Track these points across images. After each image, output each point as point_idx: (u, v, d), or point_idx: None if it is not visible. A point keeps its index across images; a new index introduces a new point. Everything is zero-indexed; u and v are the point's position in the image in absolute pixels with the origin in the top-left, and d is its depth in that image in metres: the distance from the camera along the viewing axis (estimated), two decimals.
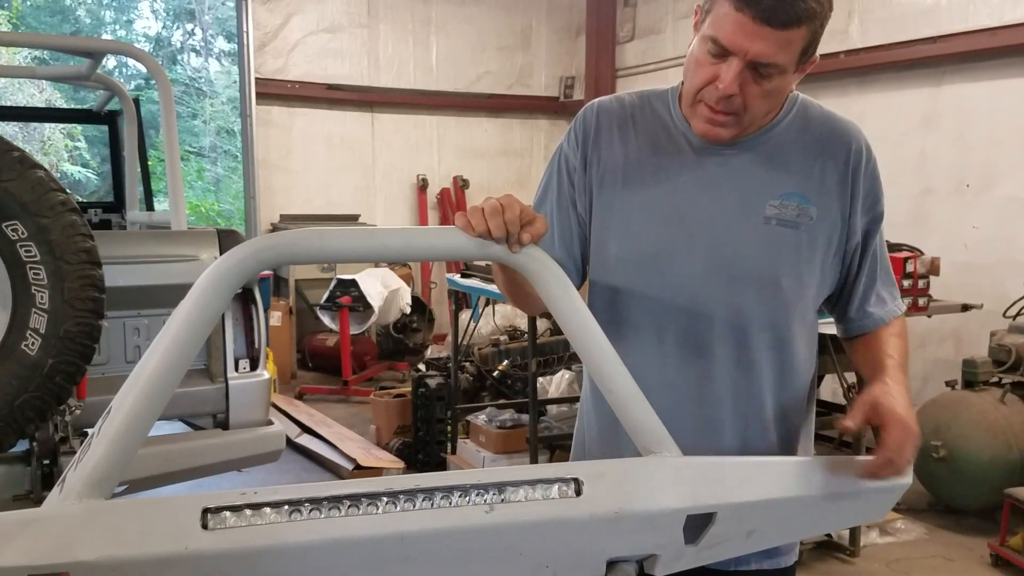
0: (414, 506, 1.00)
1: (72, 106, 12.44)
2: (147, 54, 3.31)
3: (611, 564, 1.11)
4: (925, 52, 5.26)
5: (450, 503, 1.01)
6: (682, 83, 1.39)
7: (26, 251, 2.10)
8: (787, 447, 1.43)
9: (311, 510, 0.98)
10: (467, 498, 1.02)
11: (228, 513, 0.96)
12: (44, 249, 2.13)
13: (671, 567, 1.14)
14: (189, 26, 15.94)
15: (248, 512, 0.97)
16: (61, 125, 12.92)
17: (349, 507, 0.99)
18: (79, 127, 12.90)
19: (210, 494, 0.98)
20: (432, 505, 1.01)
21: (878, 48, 5.54)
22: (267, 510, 0.97)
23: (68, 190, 2.23)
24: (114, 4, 15.62)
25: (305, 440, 4.92)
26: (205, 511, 0.95)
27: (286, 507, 0.98)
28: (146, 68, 3.08)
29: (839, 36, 5.73)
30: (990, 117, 5.03)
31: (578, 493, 1.05)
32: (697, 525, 1.10)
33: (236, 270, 1.05)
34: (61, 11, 15.02)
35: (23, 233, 2.10)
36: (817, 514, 1.24)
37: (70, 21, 15.08)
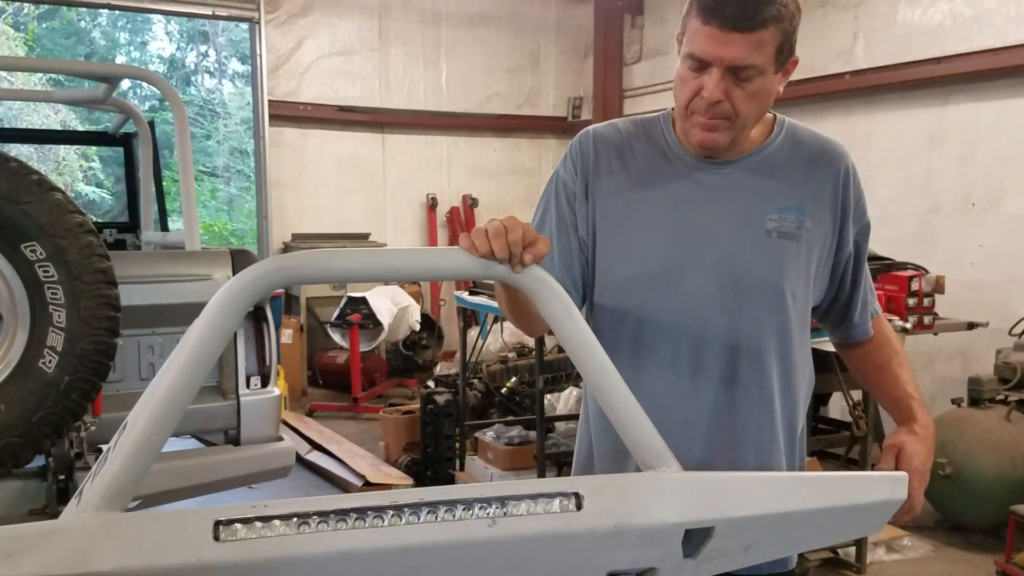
0: (418, 519, 1.03)
1: (87, 127, 12.62)
2: (162, 79, 3.39)
3: None
4: (930, 72, 5.29)
5: (454, 516, 1.04)
6: (673, 108, 1.45)
7: (44, 271, 2.16)
8: (791, 452, 1.49)
9: (319, 523, 1.01)
10: (470, 512, 1.04)
11: (239, 525, 0.99)
12: (61, 269, 2.18)
13: None
14: (203, 48, 16.14)
15: (258, 524, 0.99)
16: (76, 146, 13.09)
17: (356, 520, 1.02)
18: (93, 148, 13.07)
19: (222, 507, 1.01)
20: (436, 518, 1.03)
21: (884, 69, 5.58)
22: (277, 522, 1.00)
23: (84, 211, 2.29)
24: (128, 26, 15.83)
25: (315, 457, 4.95)
26: (217, 523, 0.98)
27: (295, 520, 1.00)
28: (161, 92, 3.15)
29: (845, 57, 5.78)
30: (995, 136, 5.06)
31: (579, 507, 1.07)
32: (696, 539, 1.12)
33: (248, 290, 1.09)
34: (76, 33, 15.24)
35: (41, 254, 2.16)
36: (814, 528, 1.26)
37: (85, 43, 15.29)
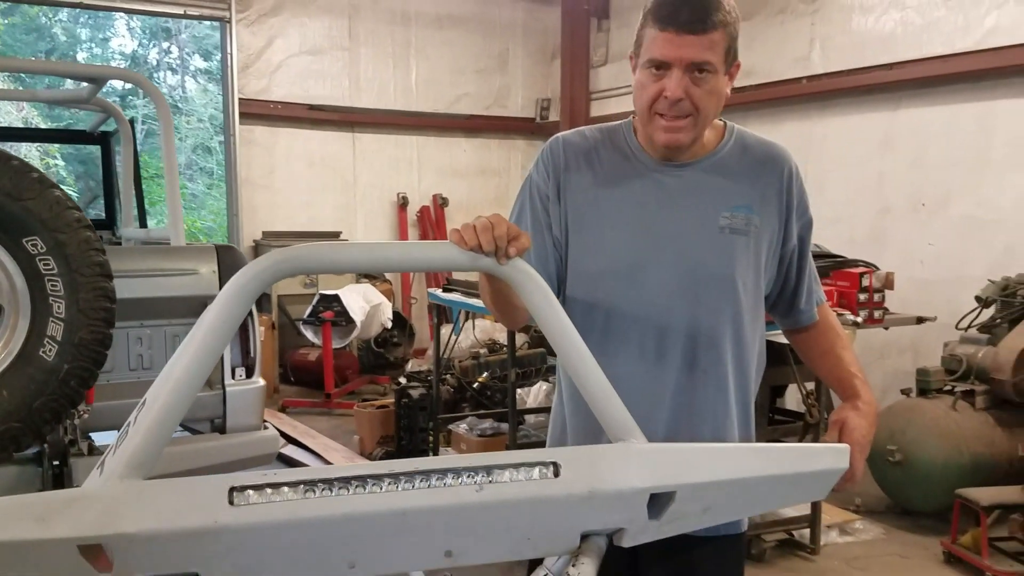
0: (413, 486, 1.13)
1: (48, 124, 12.48)
2: (148, 80, 3.48)
3: (584, 537, 1.24)
4: (883, 78, 5.52)
5: (444, 483, 1.14)
6: (634, 115, 1.60)
7: (44, 264, 2.25)
8: (745, 427, 1.64)
9: (323, 489, 1.11)
10: (459, 479, 1.15)
11: (251, 491, 1.08)
12: (61, 262, 2.27)
13: (636, 539, 1.28)
14: (165, 44, 15.98)
15: (269, 491, 1.09)
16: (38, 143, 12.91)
17: (356, 486, 1.12)
18: (56, 145, 12.91)
19: (235, 475, 1.11)
20: (429, 485, 1.14)
21: (838, 74, 5.79)
22: (285, 489, 1.10)
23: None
24: (90, 22, 15.62)
25: (290, 451, 5.02)
26: (232, 489, 1.07)
27: (302, 486, 1.10)
28: (146, 93, 3.22)
29: (802, 62, 5.98)
30: (944, 140, 5.29)
31: (556, 475, 1.18)
32: (660, 503, 1.25)
33: (258, 280, 1.18)
34: (37, 29, 15.00)
35: (42, 248, 2.25)
36: (765, 493, 1.39)
37: (46, 39, 15.07)
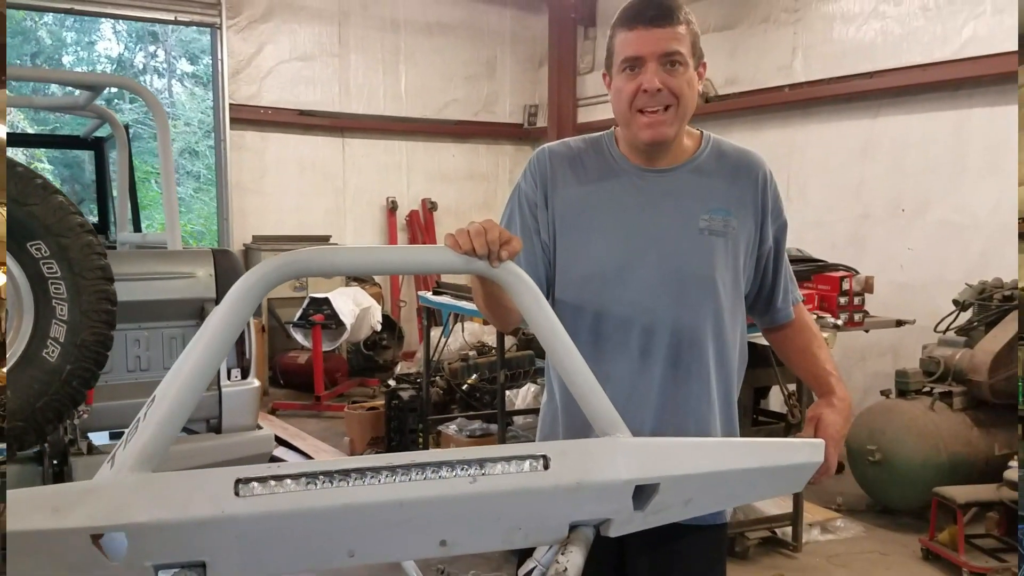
0: (410, 478, 1.19)
1: (35, 129, 12.46)
2: (145, 88, 3.54)
3: (573, 527, 1.30)
4: (863, 86, 5.63)
5: (440, 476, 1.20)
6: (615, 126, 1.68)
7: (48, 268, 2.30)
8: (728, 422, 1.71)
9: (325, 481, 1.16)
10: (454, 471, 1.21)
11: (256, 483, 1.13)
12: (64, 266, 2.33)
13: (622, 530, 1.33)
14: (152, 48, 15.96)
15: (272, 483, 1.14)
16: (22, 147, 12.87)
17: (356, 479, 1.17)
18: (42, 150, 12.88)
19: (240, 468, 1.15)
20: (425, 477, 1.19)
21: (820, 82, 5.90)
22: (288, 481, 1.15)
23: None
24: (76, 26, 15.58)
25: (281, 452, 5.06)
26: (237, 481, 1.12)
27: (304, 478, 1.15)
28: (144, 101, 3.28)
29: (784, 71, 6.08)
30: (922, 147, 5.40)
31: (546, 467, 1.24)
32: (644, 494, 1.31)
33: (263, 282, 1.23)
34: (22, 32, 14.95)
35: (46, 252, 2.31)
36: (744, 485, 1.44)
37: (31, 42, 15.02)
